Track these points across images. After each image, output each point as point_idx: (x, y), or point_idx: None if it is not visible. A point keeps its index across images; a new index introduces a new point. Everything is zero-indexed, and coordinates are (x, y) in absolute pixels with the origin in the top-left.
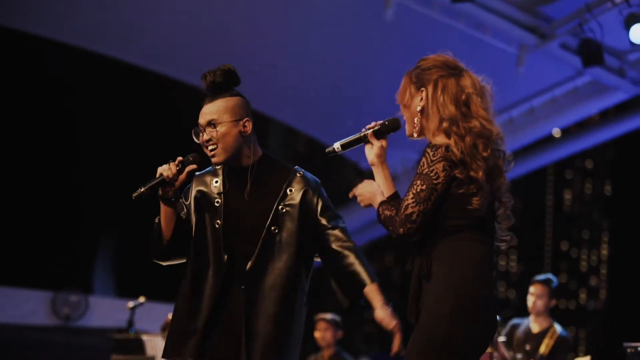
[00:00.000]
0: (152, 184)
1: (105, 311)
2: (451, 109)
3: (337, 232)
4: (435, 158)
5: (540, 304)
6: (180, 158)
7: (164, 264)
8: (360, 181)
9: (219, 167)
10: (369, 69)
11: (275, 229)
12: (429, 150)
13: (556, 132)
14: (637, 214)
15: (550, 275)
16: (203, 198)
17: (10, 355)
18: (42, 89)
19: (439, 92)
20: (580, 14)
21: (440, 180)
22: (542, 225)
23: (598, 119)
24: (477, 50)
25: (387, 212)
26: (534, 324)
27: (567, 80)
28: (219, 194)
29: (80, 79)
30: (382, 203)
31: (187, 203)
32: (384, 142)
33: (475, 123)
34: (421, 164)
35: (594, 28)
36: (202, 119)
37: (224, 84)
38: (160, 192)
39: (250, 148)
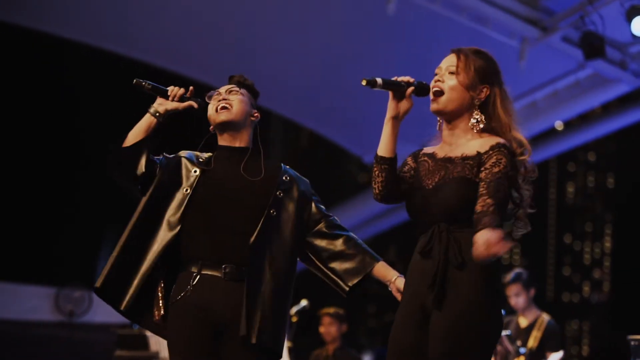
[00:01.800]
0: (156, 86)
1: (108, 307)
2: (511, 116)
3: (334, 219)
4: (512, 162)
5: (521, 300)
6: (192, 88)
7: (110, 163)
8: (364, 175)
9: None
10: (372, 63)
11: (274, 212)
12: (505, 151)
13: (558, 125)
14: None
15: (517, 271)
16: (184, 167)
17: (14, 350)
18: (44, 85)
19: (505, 100)
20: (581, 7)
21: (514, 185)
22: (546, 218)
23: (600, 112)
24: (478, 43)
25: (492, 209)
26: (522, 319)
27: (569, 73)
28: (201, 163)
29: (82, 74)
30: (491, 225)
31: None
32: (410, 102)
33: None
34: (504, 163)
35: (595, 21)
36: (224, 88)
37: (249, 86)
38: (155, 101)
39: (249, 135)
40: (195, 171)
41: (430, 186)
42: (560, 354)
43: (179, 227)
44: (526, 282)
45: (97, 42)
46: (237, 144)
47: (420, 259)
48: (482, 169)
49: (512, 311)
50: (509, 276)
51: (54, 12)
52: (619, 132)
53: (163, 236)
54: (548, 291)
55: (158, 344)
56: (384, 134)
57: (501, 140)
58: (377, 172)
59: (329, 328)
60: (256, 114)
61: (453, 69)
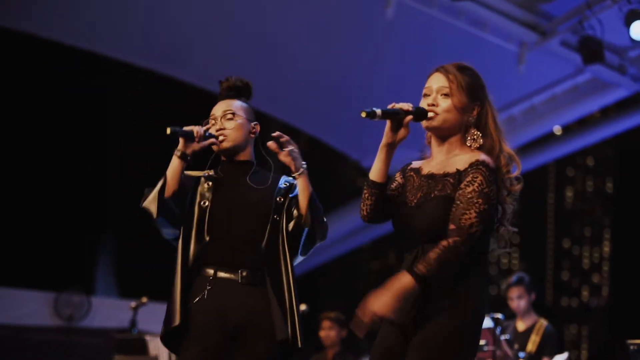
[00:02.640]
0: (184, 131)
1: (107, 311)
2: (501, 130)
3: None
4: (491, 179)
5: (523, 303)
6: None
7: (155, 217)
8: (362, 180)
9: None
10: (370, 68)
11: (277, 217)
12: (484, 168)
13: (557, 130)
14: (639, 210)
15: (520, 274)
16: (196, 183)
17: (12, 356)
18: (46, 90)
19: (494, 115)
20: (580, 11)
21: (493, 201)
22: (544, 222)
23: (599, 116)
24: (477, 48)
25: (441, 256)
26: (519, 323)
27: (568, 77)
28: (210, 179)
29: (86, 81)
30: (414, 273)
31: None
32: (407, 130)
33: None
34: (479, 181)
35: (594, 25)
36: (218, 111)
37: (242, 89)
38: (180, 145)
39: (251, 149)
40: (208, 185)
41: (413, 203)
42: (565, 355)
43: (207, 239)
44: (528, 285)
45: (92, 46)
46: (240, 159)
47: None
48: (459, 187)
49: (510, 316)
50: (512, 279)
51: (47, 15)
52: (618, 137)
53: (195, 251)
54: (547, 295)
55: (157, 348)
56: (378, 160)
57: (481, 157)
58: (366, 195)
59: (328, 332)
60: (254, 129)
61: (446, 90)
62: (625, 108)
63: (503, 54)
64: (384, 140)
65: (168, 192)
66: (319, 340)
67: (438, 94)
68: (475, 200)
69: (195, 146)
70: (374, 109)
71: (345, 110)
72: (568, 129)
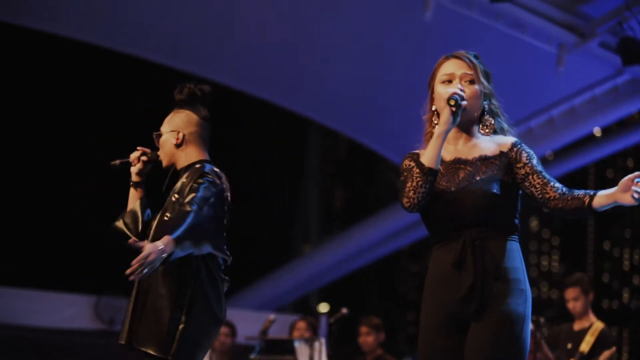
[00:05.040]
0: (122, 160)
1: None
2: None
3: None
4: None
5: (579, 305)
6: (142, 149)
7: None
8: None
9: None
10: (409, 71)
11: (163, 215)
12: (525, 145)
13: (597, 131)
14: None
15: (579, 274)
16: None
17: (53, 359)
18: (73, 91)
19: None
20: (619, 12)
21: None
22: (584, 225)
23: (638, 117)
24: (516, 50)
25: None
26: (576, 323)
27: (607, 79)
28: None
29: (101, 79)
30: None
31: None
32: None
33: None
34: (531, 153)
35: (633, 26)
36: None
37: (188, 99)
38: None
39: (187, 155)
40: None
41: (453, 188)
42: (612, 349)
43: None
44: (586, 284)
45: (94, 39)
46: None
47: (451, 269)
48: (520, 165)
49: (550, 318)
50: (569, 279)
51: (48, 9)
52: None
53: None
54: None
55: (301, 350)
56: (434, 147)
57: (515, 138)
58: (420, 183)
59: (366, 338)
60: (177, 139)
61: (470, 77)
62: None
63: (542, 55)
64: (442, 128)
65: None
66: (358, 345)
67: (462, 80)
68: (546, 170)
69: (135, 169)
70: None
71: (385, 114)
72: (608, 131)
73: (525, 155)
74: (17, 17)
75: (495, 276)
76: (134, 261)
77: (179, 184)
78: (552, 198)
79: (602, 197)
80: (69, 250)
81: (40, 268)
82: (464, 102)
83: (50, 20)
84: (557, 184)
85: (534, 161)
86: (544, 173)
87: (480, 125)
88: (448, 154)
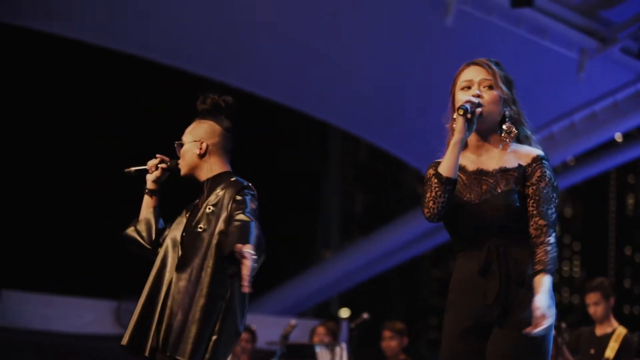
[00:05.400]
0: (138, 168)
1: None
2: (530, 127)
3: (238, 217)
4: (552, 170)
5: (600, 310)
6: (161, 156)
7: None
8: (422, 188)
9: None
10: (430, 76)
11: (200, 228)
12: (547, 162)
13: (618, 137)
14: None
15: (600, 279)
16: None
17: None
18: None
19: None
20: None
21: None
22: (606, 230)
23: None
24: (537, 55)
25: (552, 252)
26: (598, 328)
27: (629, 84)
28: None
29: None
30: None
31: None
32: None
33: None
34: (548, 176)
35: None
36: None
37: (212, 109)
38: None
39: (210, 166)
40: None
41: (476, 200)
42: None
43: None
44: (607, 290)
45: (98, 40)
46: (201, 179)
47: (476, 276)
48: (528, 183)
49: (572, 323)
50: (590, 284)
51: (49, 10)
52: None
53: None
54: None
55: (322, 354)
56: (451, 156)
57: (540, 152)
58: (439, 193)
59: (389, 342)
60: (201, 149)
61: (489, 82)
62: None
63: (563, 61)
64: (458, 136)
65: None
66: (380, 349)
67: (480, 85)
68: (551, 195)
69: (152, 177)
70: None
71: (406, 119)
72: (629, 136)
73: (538, 175)
74: (17, 18)
75: (520, 282)
76: (246, 272)
77: (213, 197)
78: (529, 233)
79: (535, 282)
80: (90, 255)
81: (60, 273)
82: (479, 109)
83: (54, 22)
84: (541, 222)
85: (542, 184)
86: (540, 202)
87: (502, 133)
88: (471, 164)
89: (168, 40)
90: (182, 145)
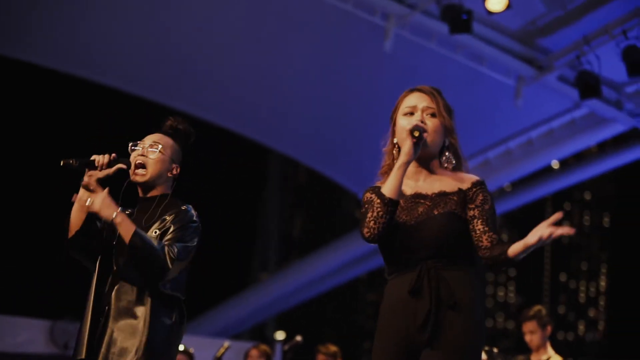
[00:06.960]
0: (82, 160)
1: None
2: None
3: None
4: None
5: (536, 338)
6: (115, 155)
7: (72, 255)
8: (360, 212)
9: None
10: (368, 101)
11: None
12: (486, 187)
13: (554, 164)
14: (636, 245)
15: (537, 307)
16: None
17: None
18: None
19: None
20: (577, 46)
21: None
22: (541, 256)
23: (596, 151)
24: (475, 81)
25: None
26: (533, 356)
27: (565, 112)
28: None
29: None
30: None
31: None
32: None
33: None
34: (490, 199)
35: (591, 60)
36: (148, 140)
37: (179, 134)
38: (85, 175)
39: (166, 187)
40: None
41: (413, 222)
42: None
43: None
44: (543, 318)
45: (64, 67)
46: (149, 195)
47: (407, 297)
48: (472, 205)
49: (506, 348)
50: (527, 312)
51: (23, 39)
52: (615, 172)
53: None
54: None
55: None
56: (395, 178)
57: (478, 177)
58: (381, 213)
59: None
60: (175, 171)
61: (432, 110)
62: (622, 143)
63: (500, 87)
64: (404, 158)
65: (70, 232)
66: None
67: (424, 113)
68: (494, 216)
69: (100, 174)
70: (420, 132)
71: (345, 144)
72: (565, 164)
73: (481, 198)
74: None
75: (450, 305)
76: (86, 179)
77: (159, 222)
78: (483, 247)
79: (516, 245)
80: (25, 274)
81: None
82: (425, 134)
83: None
84: (495, 235)
85: (486, 206)
86: (489, 221)
87: (442, 160)
88: (409, 189)
89: (106, 61)
90: (159, 147)
